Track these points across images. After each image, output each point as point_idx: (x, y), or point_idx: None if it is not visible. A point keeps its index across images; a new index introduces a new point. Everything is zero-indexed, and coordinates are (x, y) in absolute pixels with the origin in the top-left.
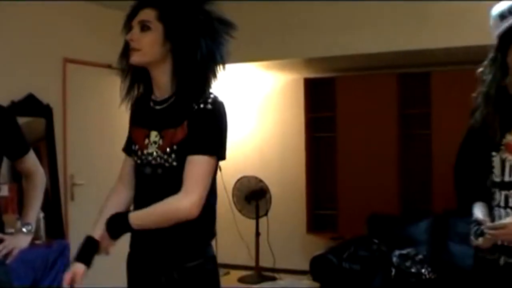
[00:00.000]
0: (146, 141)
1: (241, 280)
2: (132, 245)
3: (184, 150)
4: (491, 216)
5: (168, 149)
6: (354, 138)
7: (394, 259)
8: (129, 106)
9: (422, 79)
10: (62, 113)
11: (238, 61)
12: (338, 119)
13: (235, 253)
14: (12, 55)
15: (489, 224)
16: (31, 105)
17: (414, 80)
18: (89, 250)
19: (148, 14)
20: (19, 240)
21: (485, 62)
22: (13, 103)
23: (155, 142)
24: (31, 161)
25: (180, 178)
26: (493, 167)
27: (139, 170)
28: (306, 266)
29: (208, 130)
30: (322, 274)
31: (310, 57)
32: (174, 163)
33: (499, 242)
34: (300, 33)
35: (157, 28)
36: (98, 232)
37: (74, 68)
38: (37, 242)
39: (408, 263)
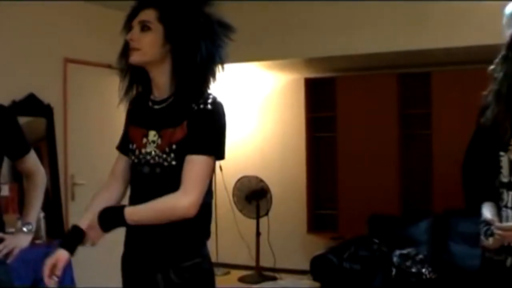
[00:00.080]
0: (144, 140)
1: (241, 279)
2: (127, 244)
3: (183, 150)
4: (499, 216)
5: (167, 149)
6: (354, 138)
7: (395, 259)
8: (127, 105)
9: (422, 79)
10: (62, 113)
11: (238, 61)
12: (339, 119)
13: (235, 253)
14: (12, 55)
15: (497, 224)
16: (32, 105)
17: (414, 80)
18: (74, 239)
19: (148, 15)
20: (20, 240)
21: (497, 60)
22: (14, 103)
23: (153, 141)
24: (32, 161)
25: (178, 177)
26: (501, 167)
27: (136, 169)
28: (306, 266)
29: (207, 130)
30: (322, 274)
31: (310, 57)
32: (173, 162)
33: (506, 243)
34: (300, 33)
35: (157, 29)
36: (85, 222)
37: (74, 68)
38: (38, 241)
39: (408, 263)
